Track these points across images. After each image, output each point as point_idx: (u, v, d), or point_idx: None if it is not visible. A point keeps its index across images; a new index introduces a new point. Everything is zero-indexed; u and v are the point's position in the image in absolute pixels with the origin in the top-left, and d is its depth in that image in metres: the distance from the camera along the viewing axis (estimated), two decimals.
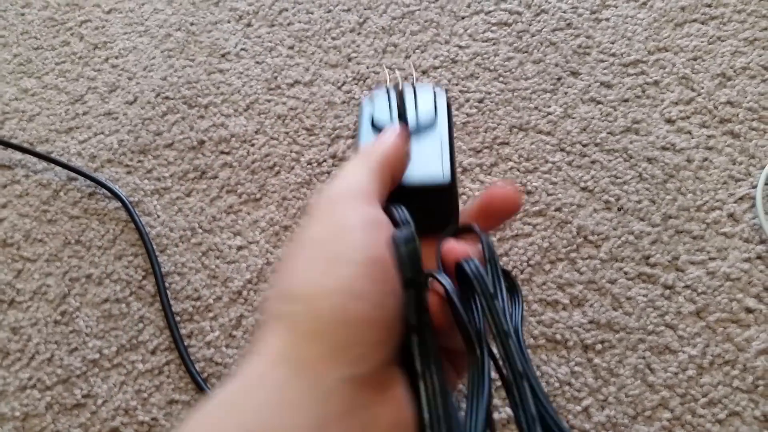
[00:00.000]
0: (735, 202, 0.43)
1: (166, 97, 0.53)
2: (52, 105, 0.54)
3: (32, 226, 0.48)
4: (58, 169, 0.51)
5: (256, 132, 0.50)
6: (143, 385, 0.42)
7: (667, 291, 0.40)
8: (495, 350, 0.20)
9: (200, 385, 0.40)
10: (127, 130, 0.52)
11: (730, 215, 0.42)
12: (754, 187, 0.43)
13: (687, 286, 0.40)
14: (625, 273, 0.41)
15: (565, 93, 0.48)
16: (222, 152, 0.49)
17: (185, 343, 0.42)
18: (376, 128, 0.29)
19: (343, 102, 0.50)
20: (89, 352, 0.43)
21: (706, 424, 0.36)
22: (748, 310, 0.39)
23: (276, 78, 0.52)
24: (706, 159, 0.44)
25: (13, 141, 0.53)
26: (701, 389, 0.37)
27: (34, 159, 0.52)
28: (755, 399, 0.37)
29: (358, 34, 0.54)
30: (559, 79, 0.49)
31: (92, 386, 0.42)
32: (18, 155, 0.52)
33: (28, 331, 0.44)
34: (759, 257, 0.41)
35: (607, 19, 0.51)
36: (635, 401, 0.37)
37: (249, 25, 0.56)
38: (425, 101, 0.30)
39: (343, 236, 0.21)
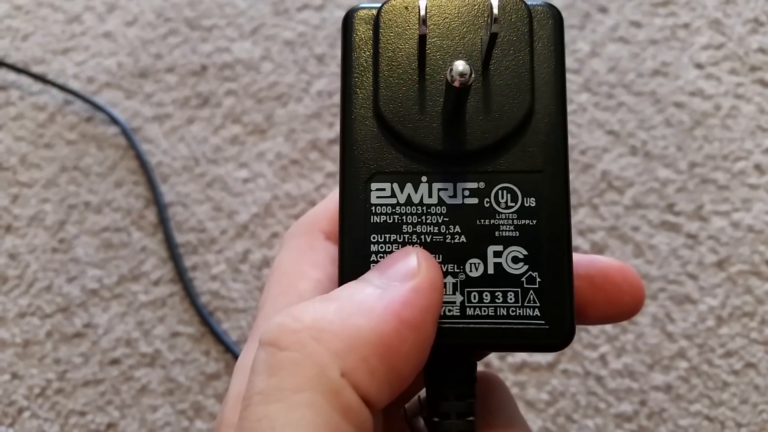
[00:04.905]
0: (762, 152, 0.41)
1: (168, 19, 0.50)
2: (47, 24, 0.51)
3: (28, 150, 0.46)
4: (54, 91, 0.48)
5: (262, 58, 0.47)
6: (146, 317, 0.40)
7: (690, 240, 0.39)
8: None
9: (205, 319, 0.39)
10: (126, 52, 0.49)
11: (756, 166, 0.41)
12: None
13: (710, 237, 0.39)
14: (649, 221, 0.40)
15: (593, 30, 0.45)
16: (226, 79, 0.47)
17: (189, 276, 0.41)
18: (383, 125, 0.16)
19: None
20: (89, 281, 0.42)
21: (722, 375, 0.36)
22: None
23: (284, 1, 0.49)
24: (734, 107, 0.42)
25: (7, 61, 0.50)
26: (719, 340, 0.37)
27: (29, 80, 0.49)
28: None
29: None
30: (587, 15, 0.46)
31: (92, 316, 0.41)
32: (12, 76, 0.50)
33: (26, 257, 0.43)
34: None
35: None
36: (653, 350, 0.37)
37: None
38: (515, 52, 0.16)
39: None
